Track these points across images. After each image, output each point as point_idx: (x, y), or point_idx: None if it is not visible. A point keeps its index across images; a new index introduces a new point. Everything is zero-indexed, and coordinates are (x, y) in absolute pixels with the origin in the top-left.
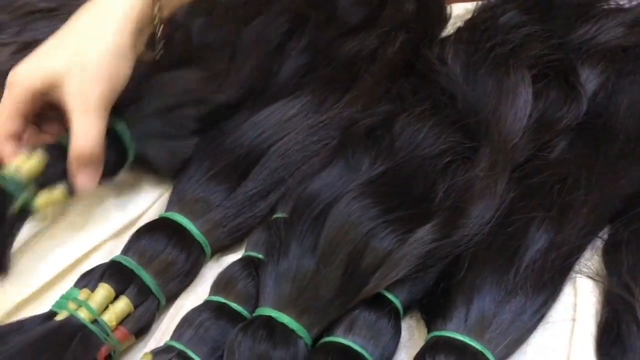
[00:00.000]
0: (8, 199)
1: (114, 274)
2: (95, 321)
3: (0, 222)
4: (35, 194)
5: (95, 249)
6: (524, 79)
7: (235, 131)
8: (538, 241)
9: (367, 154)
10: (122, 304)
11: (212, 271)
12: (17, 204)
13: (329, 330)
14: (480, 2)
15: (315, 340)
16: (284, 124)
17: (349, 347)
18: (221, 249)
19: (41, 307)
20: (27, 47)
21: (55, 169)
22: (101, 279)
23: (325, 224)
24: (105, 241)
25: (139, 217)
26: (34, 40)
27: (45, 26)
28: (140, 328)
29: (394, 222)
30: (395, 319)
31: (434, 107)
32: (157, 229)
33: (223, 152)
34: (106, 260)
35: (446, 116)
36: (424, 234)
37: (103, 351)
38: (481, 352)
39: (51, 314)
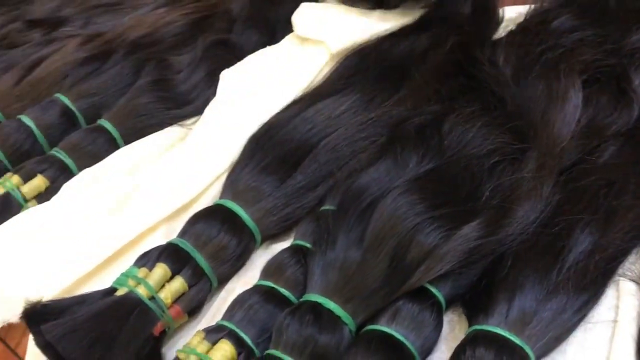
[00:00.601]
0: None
1: (170, 255)
2: (152, 298)
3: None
4: None
5: (150, 230)
6: (574, 84)
7: (287, 125)
8: (582, 243)
9: (415, 152)
10: (177, 284)
11: (261, 258)
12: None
13: (372, 319)
14: (533, 6)
15: (359, 327)
16: (334, 120)
17: (392, 336)
18: (270, 237)
19: (99, 284)
20: (91, 40)
21: None
22: (159, 259)
23: (372, 217)
24: (159, 224)
25: (192, 202)
26: (97, 32)
27: (109, 20)
28: (193, 307)
29: (440, 218)
30: (438, 312)
31: (483, 108)
32: (212, 215)
33: (275, 145)
34: (160, 241)
35: (495, 117)
36: (469, 231)
37: (159, 326)
38: (520, 347)
39: (111, 290)
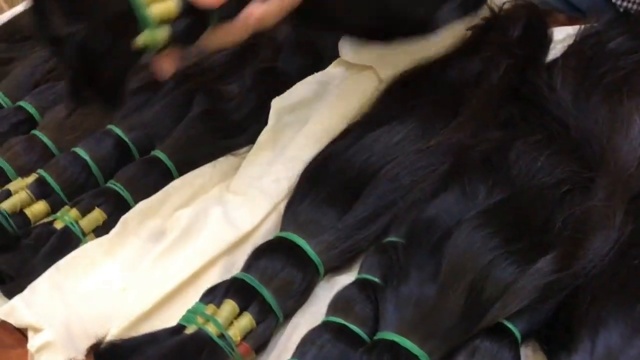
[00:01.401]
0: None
1: (237, 291)
2: (221, 336)
3: (121, 48)
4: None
5: (210, 264)
6: (638, 107)
7: (343, 155)
8: None
9: (483, 182)
10: (246, 320)
11: (324, 291)
12: (140, 39)
13: (449, 357)
14: (582, 27)
15: None
16: (392, 148)
17: None
18: (333, 269)
19: (162, 320)
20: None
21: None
22: (226, 295)
23: (446, 251)
24: (219, 257)
25: (250, 234)
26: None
27: None
28: (261, 345)
29: (515, 252)
30: (516, 349)
31: (549, 135)
32: (276, 249)
33: (333, 175)
34: (222, 275)
35: (562, 145)
36: (544, 265)
37: None
38: None
39: (180, 328)
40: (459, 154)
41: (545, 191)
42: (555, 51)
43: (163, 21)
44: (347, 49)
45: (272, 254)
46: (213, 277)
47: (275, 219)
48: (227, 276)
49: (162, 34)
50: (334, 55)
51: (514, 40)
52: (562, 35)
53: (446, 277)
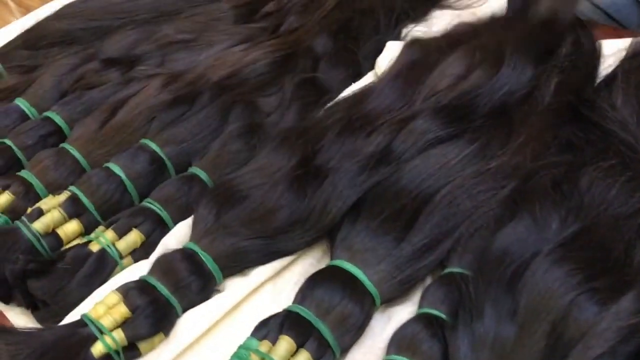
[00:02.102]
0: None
1: (293, 325)
2: None
3: None
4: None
5: (255, 291)
6: None
7: (396, 177)
8: None
9: (556, 211)
10: (303, 358)
11: (380, 323)
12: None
13: None
14: (633, 40)
15: None
16: (447, 170)
17: None
18: (388, 301)
19: (208, 347)
20: (174, 80)
21: None
22: (281, 330)
23: (523, 288)
24: (263, 284)
25: (294, 261)
26: (178, 72)
27: (184, 57)
28: None
29: (596, 291)
30: None
31: (622, 161)
32: (332, 279)
33: (387, 199)
34: (268, 302)
35: (636, 171)
36: (627, 304)
37: None
38: None
39: None
40: (524, 178)
41: (622, 221)
42: (605, 65)
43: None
44: (384, 62)
45: (327, 284)
46: (259, 304)
47: (321, 243)
48: (274, 304)
49: None
50: (374, 66)
51: (562, 56)
52: (612, 49)
53: (526, 316)
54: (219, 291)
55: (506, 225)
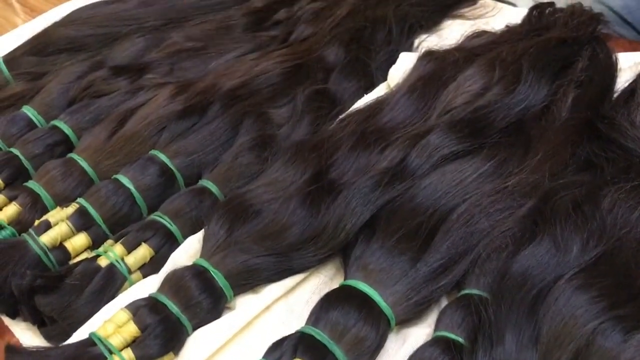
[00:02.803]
0: None
1: (307, 348)
2: None
3: None
4: None
5: (266, 310)
6: None
7: (411, 193)
8: None
9: (577, 234)
10: None
11: (394, 344)
12: None
13: None
14: None
15: None
16: (463, 187)
17: None
18: (403, 322)
19: None
20: (184, 90)
21: None
22: (295, 353)
23: (546, 314)
24: (275, 302)
25: (305, 278)
26: (188, 82)
27: (194, 65)
28: None
29: (621, 318)
30: None
31: None
32: (346, 300)
33: (402, 217)
34: (279, 321)
35: None
36: None
37: None
38: None
39: None
40: (543, 197)
41: None
42: (622, 79)
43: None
44: (397, 74)
45: (342, 305)
46: (270, 323)
47: (333, 260)
48: (285, 323)
49: None
50: (384, 78)
51: (580, 70)
52: (628, 63)
53: (548, 343)
54: (229, 309)
55: (526, 247)
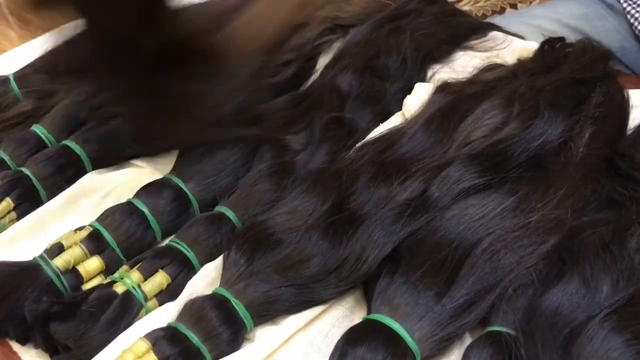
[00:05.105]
0: None
1: None
2: None
3: None
4: None
5: (286, 342)
6: None
7: (433, 226)
8: None
9: (607, 273)
10: None
11: None
12: None
13: None
14: None
15: None
16: (486, 221)
17: None
18: (427, 359)
19: None
20: None
21: None
22: None
23: (581, 356)
24: (295, 333)
25: (325, 310)
26: None
27: None
28: None
29: None
30: None
31: None
32: (372, 335)
33: (426, 250)
34: (302, 355)
35: None
36: None
37: None
38: None
39: None
40: (568, 235)
41: None
42: (633, 115)
43: None
44: (413, 104)
45: (368, 341)
46: (290, 357)
47: (354, 293)
48: (306, 355)
49: None
50: (398, 107)
51: (595, 106)
52: (638, 100)
53: None
54: (248, 340)
55: (554, 285)
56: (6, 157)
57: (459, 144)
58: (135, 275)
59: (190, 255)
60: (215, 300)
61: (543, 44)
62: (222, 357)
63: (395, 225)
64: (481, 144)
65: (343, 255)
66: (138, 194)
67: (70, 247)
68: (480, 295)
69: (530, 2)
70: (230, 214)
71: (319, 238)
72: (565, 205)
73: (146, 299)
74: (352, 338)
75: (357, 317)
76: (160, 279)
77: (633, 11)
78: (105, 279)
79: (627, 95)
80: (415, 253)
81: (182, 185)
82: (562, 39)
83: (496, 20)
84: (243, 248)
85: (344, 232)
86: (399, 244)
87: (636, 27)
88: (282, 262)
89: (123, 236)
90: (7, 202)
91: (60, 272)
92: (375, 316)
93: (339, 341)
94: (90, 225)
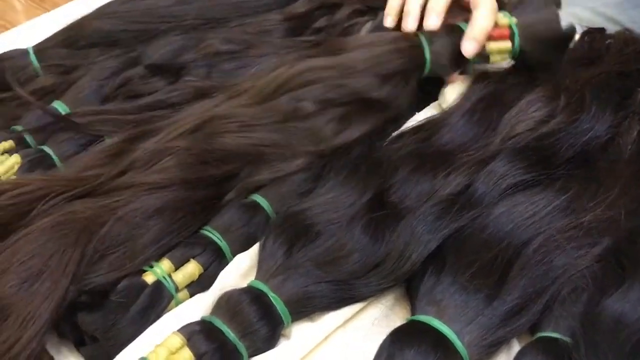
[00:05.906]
0: None
1: None
2: None
3: None
4: None
5: (323, 341)
6: None
7: (480, 223)
8: None
9: None
10: None
11: None
12: None
13: None
14: None
15: None
16: (536, 220)
17: None
18: None
19: None
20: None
21: None
22: None
23: None
24: (334, 330)
25: (364, 308)
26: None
27: (232, 68)
28: None
29: None
30: None
31: None
32: (421, 338)
33: (474, 249)
34: (341, 354)
35: None
36: None
37: None
38: None
39: None
40: (624, 238)
41: None
42: None
43: None
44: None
45: (417, 344)
46: (327, 356)
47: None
48: (346, 356)
49: None
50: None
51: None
52: None
53: None
54: (285, 337)
55: (614, 291)
56: (26, 135)
57: (503, 137)
58: (166, 264)
59: (223, 244)
60: (252, 294)
61: (583, 35)
62: (258, 354)
63: (440, 221)
64: (526, 137)
65: (385, 251)
66: None
67: None
68: (531, 298)
69: None
70: (264, 203)
71: (360, 233)
72: (617, 205)
73: (177, 290)
74: (398, 339)
75: (398, 316)
76: (192, 268)
77: None
78: None
79: None
80: (462, 252)
81: None
82: (602, 29)
83: None
84: (281, 239)
85: (386, 228)
86: (443, 241)
87: None
88: (322, 256)
89: None
90: None
91: None
92: (421, 317)
93: (384, 341)
94: None
